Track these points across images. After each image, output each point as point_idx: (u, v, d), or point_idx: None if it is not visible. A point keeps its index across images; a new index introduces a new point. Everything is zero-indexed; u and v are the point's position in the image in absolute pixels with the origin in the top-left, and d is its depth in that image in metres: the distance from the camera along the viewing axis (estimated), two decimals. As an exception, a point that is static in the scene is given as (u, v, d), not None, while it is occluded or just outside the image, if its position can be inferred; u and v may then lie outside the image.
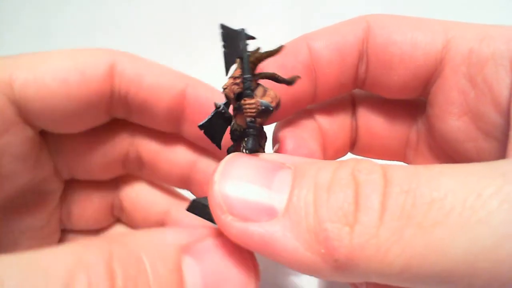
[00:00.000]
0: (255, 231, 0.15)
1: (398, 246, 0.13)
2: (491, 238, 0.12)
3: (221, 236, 0.17)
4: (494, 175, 0.13)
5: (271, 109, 0.19)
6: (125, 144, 0.27)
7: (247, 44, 0.18)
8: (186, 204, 0.21)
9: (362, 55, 0.23)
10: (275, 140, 0.25)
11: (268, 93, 0.19)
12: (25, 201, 0.24)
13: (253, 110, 0.18)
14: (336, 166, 0.16)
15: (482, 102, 0.20)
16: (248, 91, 0.18)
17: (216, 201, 0.16)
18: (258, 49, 0.19)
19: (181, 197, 0.30)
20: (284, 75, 0.20)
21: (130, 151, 0.27)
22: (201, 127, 0.20)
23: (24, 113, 0.22)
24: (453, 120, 0.22)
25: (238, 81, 0.19)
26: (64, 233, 0.28)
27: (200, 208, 0.20)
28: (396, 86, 0.23)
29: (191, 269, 0.15)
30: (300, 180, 0.15)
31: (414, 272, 0.13)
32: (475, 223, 0.13)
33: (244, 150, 0.19)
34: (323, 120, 0.26)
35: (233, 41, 0.18)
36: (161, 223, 0.29)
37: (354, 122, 0.27)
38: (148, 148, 0.27)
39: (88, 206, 0.28)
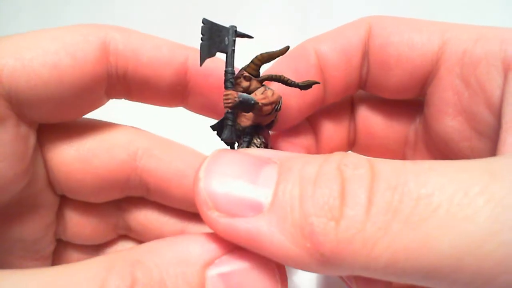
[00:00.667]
0: (241, 226, 0.15)
1: (384, 241, 0.13)
2: (476, 235, 0.13)
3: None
4: (481, 173, 0.13)
5: (252, 102, 0.19)
6: (126, 169, 0.24)
7: (234, 40, 0.19)
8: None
9: (365, 57, 0.23)
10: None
11: (265, 92, 0.20)
12: (19, 214, 0.23)
13: (229, 101, 0.18)
14: (322, 160, 0.15)
15: (475, 102, 0.20)
16: (228, 83, 0.19)
17: (202, 198, 0.16)
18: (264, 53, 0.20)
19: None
20: (299, 80, 0.20)
21: (132, 177, 0.25)
22: (213, 128, 0.21)
23: (15, 105, 0.20)
24: (448, 120, 0.22)
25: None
26: (60, 243, 0.26)
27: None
28: (394, 86, 0.23)
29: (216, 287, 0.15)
30: (286, 174, 0.15)
31: (400, 267, 0.13)
32: (462, 220, 0.13)
33: (237, 145, 0.19)
34: (319, 121, 0.26)
35: (216, 36, 0.19)
36: None
37: (353, 122, 0.27)
38: (155, 174, 0.25)
39: (86, 225, 0.26)
